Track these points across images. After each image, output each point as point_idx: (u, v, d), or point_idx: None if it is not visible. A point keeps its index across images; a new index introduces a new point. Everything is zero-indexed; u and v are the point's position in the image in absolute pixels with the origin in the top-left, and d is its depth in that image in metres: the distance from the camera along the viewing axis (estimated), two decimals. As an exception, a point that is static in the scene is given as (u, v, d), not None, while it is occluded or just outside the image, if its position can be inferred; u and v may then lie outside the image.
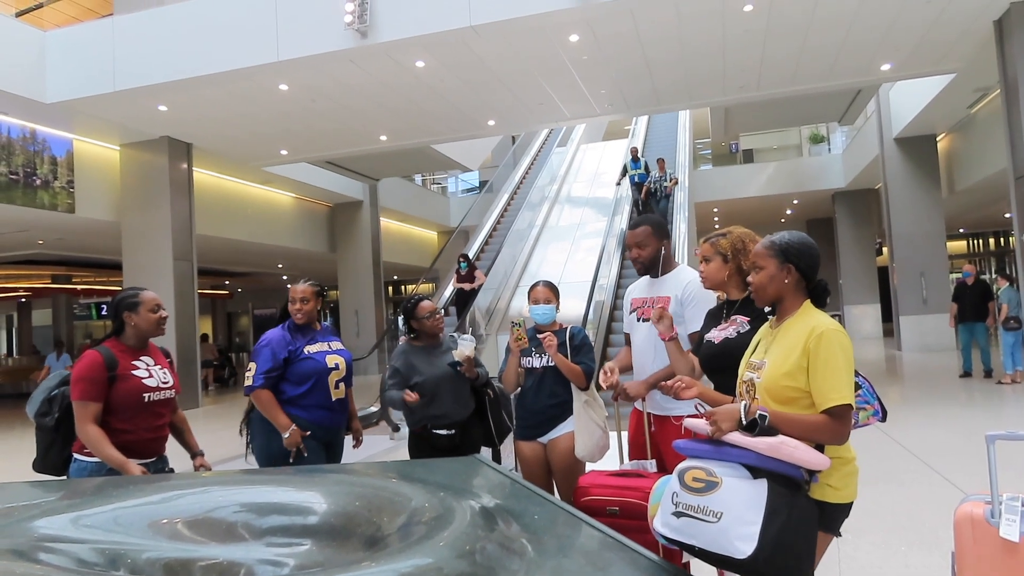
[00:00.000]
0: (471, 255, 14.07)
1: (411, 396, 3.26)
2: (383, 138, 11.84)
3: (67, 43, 9.24)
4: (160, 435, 2.84)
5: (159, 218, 11.07)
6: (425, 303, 3.51)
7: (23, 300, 23.55)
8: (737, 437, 1.75)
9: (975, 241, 22.12)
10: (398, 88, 9.54)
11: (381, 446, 7.18)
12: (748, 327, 2.27)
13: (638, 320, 2.93)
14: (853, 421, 1.98)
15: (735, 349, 2.14)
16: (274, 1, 8.42)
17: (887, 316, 17.26)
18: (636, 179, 13.63)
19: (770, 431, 1.77)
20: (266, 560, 1.88)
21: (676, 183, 13.29)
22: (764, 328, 2.07)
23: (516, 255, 13.39)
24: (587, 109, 11.12)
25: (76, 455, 2.71)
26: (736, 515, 1.66)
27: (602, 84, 10.05)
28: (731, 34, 8.42)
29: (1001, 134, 8.85)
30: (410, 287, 24.39)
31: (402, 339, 3.63)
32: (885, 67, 9.71)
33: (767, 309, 2.06)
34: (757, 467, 1.70)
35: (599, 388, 2.79)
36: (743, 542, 1.63)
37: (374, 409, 8.20)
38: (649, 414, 2.79)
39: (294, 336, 3.27)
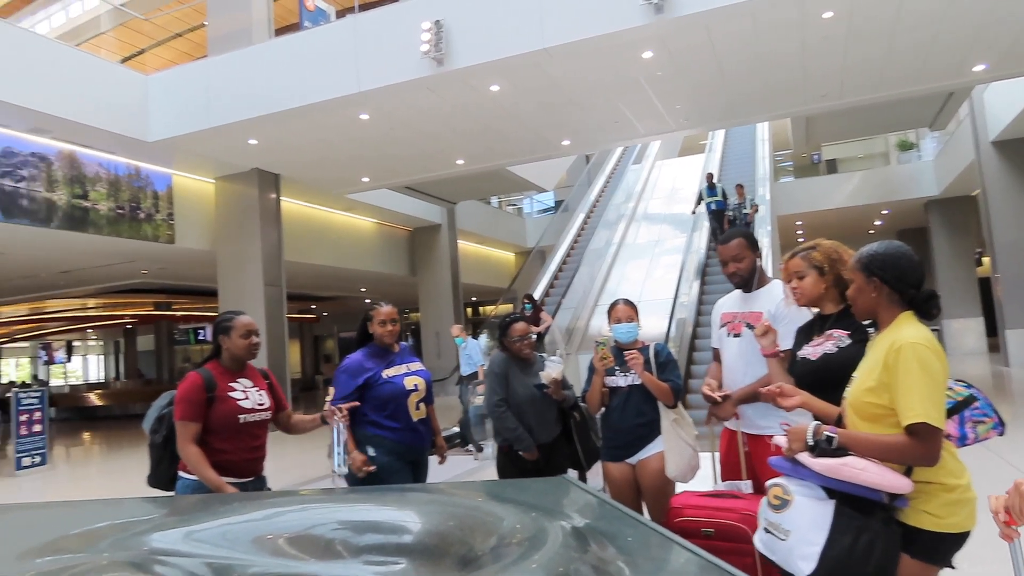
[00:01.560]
0: (547, 278, 14.09)
1: (531, 455, 3.35)
2: (460, 162, 12.06)
3: (166, 85, 9.88)
4: (257, 456, 2.93)
5: (251, 246, 11.60)
6: (519, 325, 3.51)
7: (129, 327, 25.06)
8: (804, 458, 1.72)
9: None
10: (473, 112, 9.71)
11: (465, 466, 7.24)
12: (848, 340, 2.17)
13: (728, 335, 2.86)
14: (972, 436, 1.87)
15: (835, 364, 2.05)
16: (353, 34, 8.76)
17: (992, 330, 16.21)
18: (713, 207, 12.97)
19: (839, 452, 1.69)
20: (364, 578, 1.92)
21: (757, 210, 12.74)
22: (870, 342, 1.99)
23: (594, 274, 13.32)
24: (662, 125, 11.01)
25: (181, 473, 2.83)
26: (801, 534, 1.65)
27: (677, 99, 9.94)
28: (810, 41, 8.19)
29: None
30: (488, 308, 24.60)
31: (495, 350, 3.71)
32: (979, 68, 9.21)
33: (867, 322, 1.98)
34: (831, 488, 1.68)
35: (706, 398, 2.73)
36: (804, 561, 1.63)
37: (456, 430, 8.28)
38: (742, 433, 2.71)
39: (373, 361, 3.30)
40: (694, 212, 13.67)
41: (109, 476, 9.09)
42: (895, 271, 1.85)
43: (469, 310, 25.56)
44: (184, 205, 11.76)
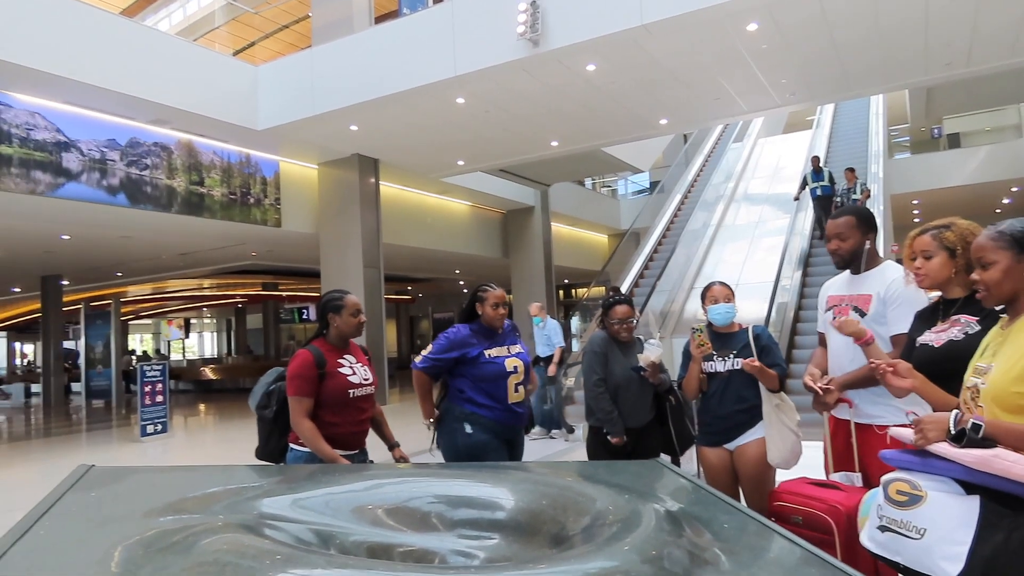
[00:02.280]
0: (640, 261, 13.84)
1: (619, 440, 3.32)
2: (554, 143, 12.00)
3: (274, 75, 10.33)
4: (363, 428, 3.05)
5: (351, 229, 12.01)
6: (621, 308, 3.49)
7: (239, 306, 26.59)
8: (944, 448, 1.59)
9: None
10: (568, 93, 9.63)
11: (557, 447, 7.27)
12: (977, 327, 2.00)
13: (835, 319, 2.72)
14: None
15: (962, 352, 1.89)
16: (451, 18, 8.85)
17: None
18: (818, 192, 12.07)
19: (985, 443, 1.56)
20: (458, 551, 1.96)
21: (868, 196, 11.87)
22: (994, 330, 1.82)
23: (691, 256, 13.00)
24: (766, 101, 10.54)
25: (292, 445, 2.97)
26: (942, 533, 1.54)
27: (783, 73, 9.48)
28: (935, 4, 7.60)
29: None
30: (581, 291, 24.50)
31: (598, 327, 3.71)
32: None
33: (998, 308, 1.82)
34: (971, 482, 1.55)
35: (808, 389, 2.61)
36: (949, 562, 1.51)
37: (548, 406, 8.31)
38: (851, 422, 2.57)
39: (478, 338, 3.34)
40: (797, 198, 12.82)
41: (223, 444, 9.72)
42: None
43: (561, 292, 25.54)
44: (290, 190, 12.29)
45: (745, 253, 12.79)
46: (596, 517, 1.96)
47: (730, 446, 3.06)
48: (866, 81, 9.93)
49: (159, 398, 9.93)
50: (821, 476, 2.59)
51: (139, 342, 34.95)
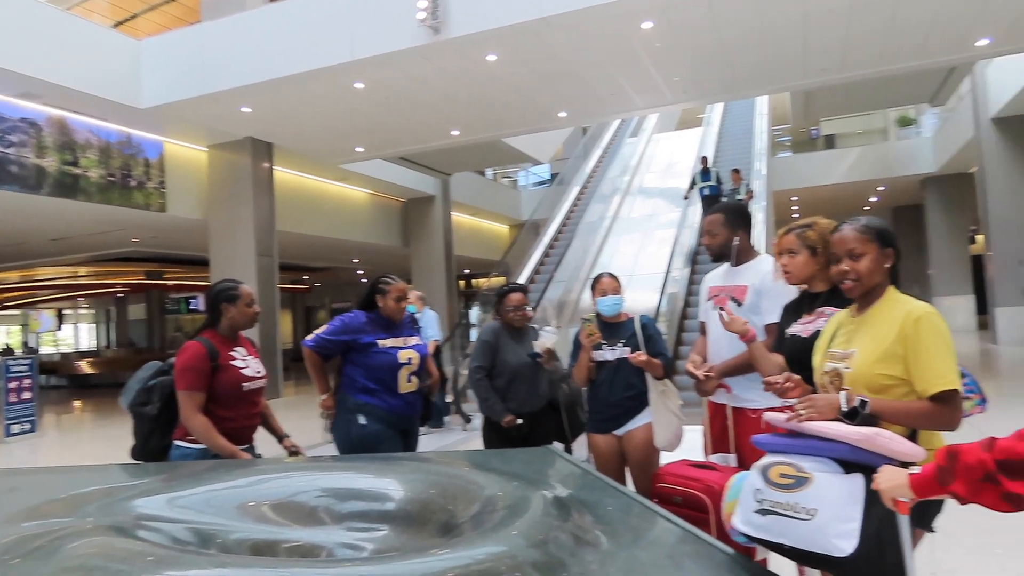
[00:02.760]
0: (539, 252, 14.03)
1: (510, 420, 3.36)
2: (455, 133, 11.97)
3: (159, 50, 9.73)
4: (254, 423, 2.97)
5: (243, 215, 11.54)
6: (516, 295, 3.55)
7: (120, 295, 25.02)
8: (828, 427, 1.67)
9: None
10: (470, 82, 9.61)
11: (454, 436, 7.29)
12: None
13: (714, 309, 2.87)
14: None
15: None
16: (349, 1, 8.63)
17: (982, 308, 16.30)
18: (706, 192, 12.34)
19: (871, 420, 1.69)
20: (346, 544, 1.94)
21: (752, 196, 12.42)
22: (842, 316, 1.98)
23: (587, 247, 13.31)
24: (660, 98, 10.92)
25: (178, 442, 2.82)
26: (834, 512, 1.58)
27: (676, 71, 9.84)
28: (813, 13, 8.09)
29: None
30: (481, 280, 24.60)
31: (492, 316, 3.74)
32: (982, 43, 9.12)
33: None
34: (850, 460, 1.63)
35: (690, 375, 2.75)
36: (843, 539, 1.56)
37: (448, 400, 8.32)
38: (727, 406, 2.72)
39: (374, 327, 3.32)
40: (686, 197, 13.11)
41: (98, 443, 9.14)
42: (897, 247, 1.87)
43: (462, 282, 25.56)
44: (176, 173, 11.66)
45: (639, 245, 13.22)
46: (485, 504, 1.99)
47: (619, 432, 3.16)
48: (751, 82, 10.47)
49: (26, 395, 9.21)
50: (701, 458, 2.73)
51: (4, 335, 32.27)
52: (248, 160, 11.54)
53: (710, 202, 12.28)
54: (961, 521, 3.54)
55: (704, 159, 12.99)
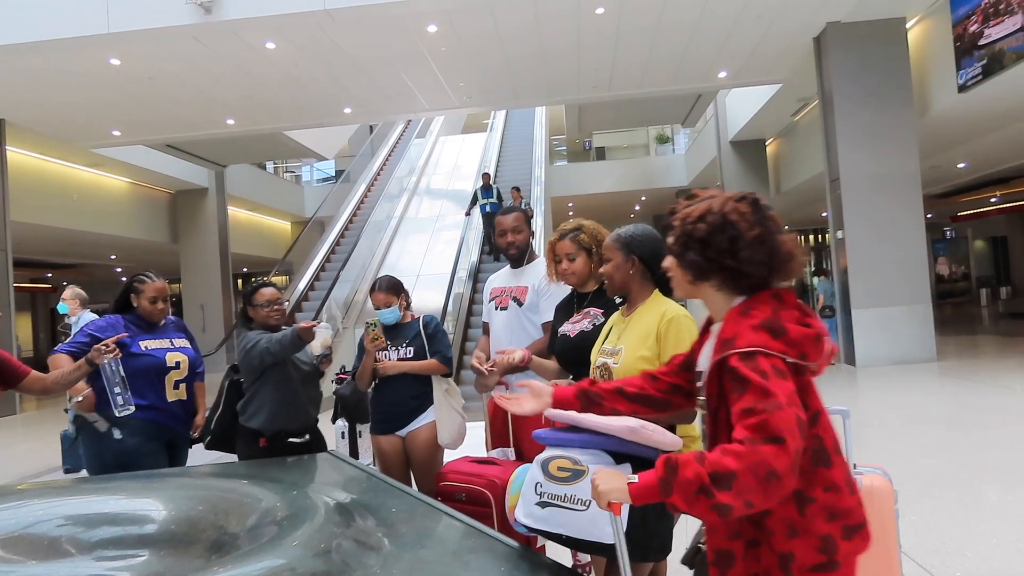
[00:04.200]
0: (324, 250, 13.60)
1: (309, 323, 2.88)
2: (230, 122, 11.19)
3: None
4: None
5: (-36, 202, 9.82)
6: (267, 290, 3.17)
7: None
8: (599, 421, 1.74)
9: (798, 238, 24.33)
10: (247, 70, 9.04)
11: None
12: (603, 319, 2.34)
13: (496, 309, 2.98)
14: None
15: (592, 341, 2.20)
16: (104, -34, 7.70)
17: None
18: (488, 209, 11.88)
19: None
20: None
21: (532, 214, 12.72)
22: (615, 316, 2.15)
23: (374, 247, 13.14)
24: (446, 101, 11.10)
25: None
26: None
27: (461, 77, 10.07)
28: (585, 36, 8.73)
29: (819, 141, 9.81)
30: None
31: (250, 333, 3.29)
32: (722, 74, 10.46)
33: (618, 299, 2.14)
34: (619, 452, 1.72)
35: (474, 370, 2.79)
36: (603, 530, 1.65)
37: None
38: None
39: (132, 328, 2.99)
40: (468, 214, 12.76)
41: None
42: (651, 251, 2.02)
43: (240, 281, 23.98)
44: None
45: (426, 245, 13.33)
46: (262, 516, 1.89)
47: (402, 432, 3.16)
48: (531, 93, 11.04)
49: None
50: (483, 454, 2.81)
51: None
52: (-30, 137, 9.85)
53: (491, 219, 11.81)
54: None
55: (486, 175, 12.65)
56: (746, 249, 1.38)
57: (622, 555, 1.42)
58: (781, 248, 1.41)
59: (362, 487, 2.43)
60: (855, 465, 1.84)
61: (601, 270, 2.12)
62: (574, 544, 1.80)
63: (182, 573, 1.65)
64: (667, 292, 2.04)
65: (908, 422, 5.86)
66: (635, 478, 1.30)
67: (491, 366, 2.74)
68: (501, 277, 3.09)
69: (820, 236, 23.43)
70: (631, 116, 15.26)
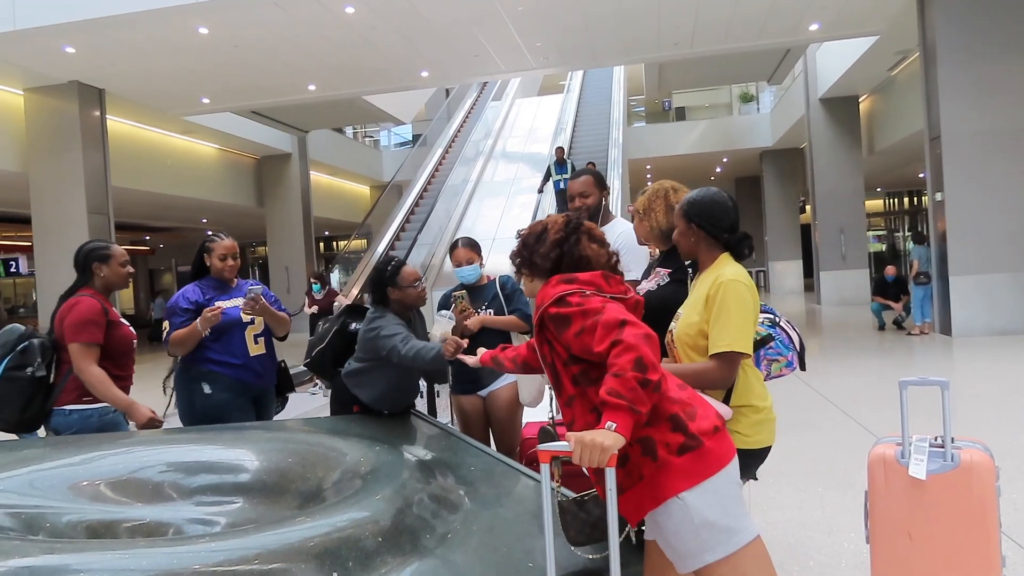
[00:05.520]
0: (402, 214, 13.76)
1: (453, 345, 2.58)
2: (312, 88, 11.41)
3: (-41, -25, 8.45)
4: (131, 383, 2.88)
5: (71, 169, 10.41)
6: (409, 268, 3.01)
7: (-79, 256, 21.99)
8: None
9: (891, 200, 23.12)
10: (327, 35, 9.16)
11: (314, 403, 7.09)
12: (668, 279, 2.32)
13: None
14: (765, 372, 2.05)
15: (654, 302, 2.16)
16: (191, -63, 7.90)
17: (808, 272, 17.97)
18: (561, 185, 11.22)
19: None
20: (196, 519, 1.84)
21: (608, 192, 12.18)
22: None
23: (450, 211, 13.26)
24: (522, 62, 10.97)
25: (74, 407, 2.66)
26: None
27: (538, 37, 9.91)
28: (667, -9, 8.42)
29: (918, 97, 9.20)
30: (342, 243, 23.91)
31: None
32: (813, 27, 9.90)
33: (687, 263, 2.12)
34: None
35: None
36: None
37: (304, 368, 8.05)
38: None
39: (210, 292, 3.11)
40: (541, 191, 12.12)
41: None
42: (709, 218, 1.97)
43: (322, 244, 24.72)
44: (-14, 118, 10.32)
45: (502, 209, 13.35)
46: (347, 471, 1.96)
47: (483, 392, 3.20)
48: (609, 52, 10.76)
49: None
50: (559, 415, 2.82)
51: None
52: (75, 107, 10.38)
53: (565, 197, 11.75)
54: (789, 464, 3.94)
55: (559, 150, 11.99)
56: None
57: (611, 507, 1.43)
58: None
59: (442, 445, 2.48)
60: (952, 439, 1.76)
61: (673, 236, 2.08)
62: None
63: (274, 521, 1.73)
64: (740, 257, 1.97)
65: (1009, 395, 5.54)
66: (610, 424, 1.42)
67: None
68: None
69: (916, 199, 22.14)
70: (713, 74, 14.70)
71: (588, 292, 1.63)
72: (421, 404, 4.42)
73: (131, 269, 2.91)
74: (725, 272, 1.90)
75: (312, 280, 10.18)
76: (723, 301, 1.84)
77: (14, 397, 2.66)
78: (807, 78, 14.78)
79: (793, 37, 10.41)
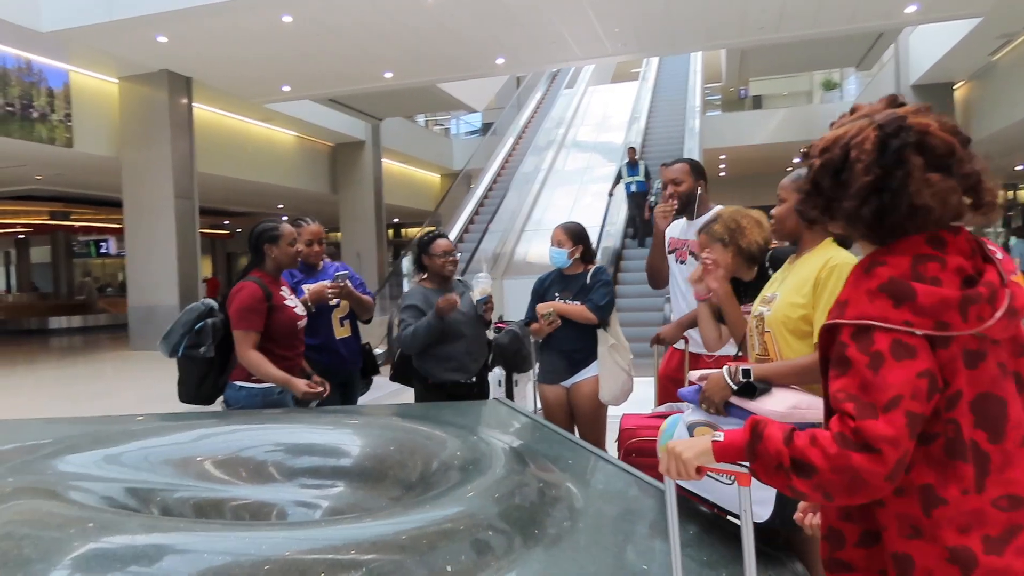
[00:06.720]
0: (473, 203, 13.76)
1: (449, 300, 3.04)
2: (388, 75, 11.52)
3: (61, -32, 8.86)
4: (301, 361, 2.95)
5: (159, 155, 10.84)
6: (442, 241, 3.31)
7: (21, 237, 23.36)
8: (757, 405, 1.64)
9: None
10: (405, 22, 9.21)
11: (389, 387, 7.15)
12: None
13: (676, 262, 2.87)
14: None
15: None
16: (277, -74, 8.05)
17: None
18: (633, 188, 10.69)
19: (763, 386, 1.68)
20: (298, 502, 1.84)
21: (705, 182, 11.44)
22: (783, 268, 1.99)
23: (522, 199, 13.20)
24: (599, 48, 10.78)
25: (240, 383, 2.77)
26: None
27: (616, 22, 9.71)
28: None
29: (1022, 83, 8.60)
30: (412, 231, 24.22)
31: (413, 281, 3.50)
32: (910, 9, 9.36)
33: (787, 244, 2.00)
34: None
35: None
36: (760, 506, 1.57)
37: (380, 351, 8.17)
38: (688, 353, 2.75)
39: (295, 275, 3.19)
40: (611, 193, 11.60)
41: (6, 394, 8.58)
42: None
43: (392, 232, 25.10)
44: (84, 105, 10.81)
45: (574, 198, 13.21)
46: (445, 460, 1.92)
47: (566, 384, 3.14)
48: (690, 38, 10.47)
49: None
50: (647, 412, 2.74)
51: None
52: (165, 95, 10.79)
53: (637, 200, 10.72)
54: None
55: (632, 150, 11.26)
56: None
57: (746, 530, 1.27)
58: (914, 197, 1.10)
59: (535, 437, 2.42)
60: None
61: (772, 212, 1.97)
62: (723, 510, 1.72)
63: (376, 508, 1.71)
64: (845, 243, 1.83)
65: None
66: (720, 436, 1.15)
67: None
68: (678, 228, 2.99)
69: (1012, 192, 20.85)
70: (798, 60, 14.12)
71: (919, 332, 1.03)
72: (499, 392, 4.40)
73: (300, 248, 2.99)
74: (839, 254, 1.77)
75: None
76: (837, 284, 1.70)
77: (191, 373, 2.85)
78: (898, 63, 14.03)
79: (887, 20, 9.87)
